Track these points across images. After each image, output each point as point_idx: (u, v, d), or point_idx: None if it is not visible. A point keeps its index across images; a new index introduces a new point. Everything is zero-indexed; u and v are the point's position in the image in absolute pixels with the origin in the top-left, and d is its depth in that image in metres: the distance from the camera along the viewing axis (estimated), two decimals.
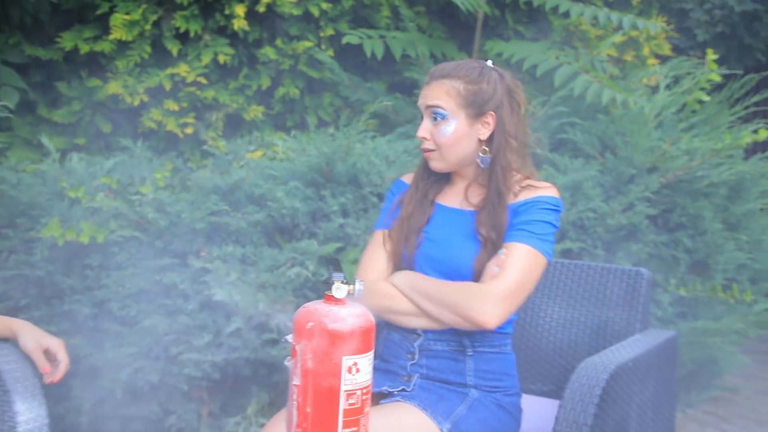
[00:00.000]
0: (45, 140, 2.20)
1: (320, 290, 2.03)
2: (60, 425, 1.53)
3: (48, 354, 1.40)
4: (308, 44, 2.48)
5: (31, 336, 1.39)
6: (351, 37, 2.40)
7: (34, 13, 2.40)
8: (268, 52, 2.45)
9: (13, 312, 1.88)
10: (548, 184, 1.37)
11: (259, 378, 2.12)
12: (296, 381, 0.95)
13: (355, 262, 1.99)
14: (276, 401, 2.09)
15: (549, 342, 1.60)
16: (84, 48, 2.41)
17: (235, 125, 2.64)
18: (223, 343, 2.01)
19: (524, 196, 1.33)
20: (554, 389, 1.58)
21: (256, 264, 2.02)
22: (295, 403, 0.95)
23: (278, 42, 2.49)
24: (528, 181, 1.36)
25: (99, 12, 2.43)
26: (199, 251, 2.01)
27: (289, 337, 0.98)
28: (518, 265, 1.27)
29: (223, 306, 1.99)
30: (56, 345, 1.39)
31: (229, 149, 2.33)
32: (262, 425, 1.97)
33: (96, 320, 1.95)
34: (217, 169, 2.24)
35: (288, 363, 0.97)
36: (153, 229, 1.98)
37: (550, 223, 1.32)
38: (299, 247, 2.01)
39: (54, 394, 1.42)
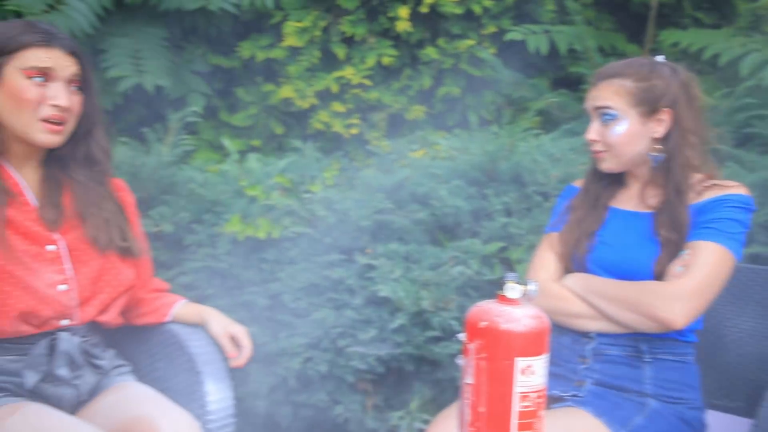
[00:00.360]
0: (226, 142, 2.38)
1: (483, 289, 2.03)
2: (239, 407, 1.65)
3: (233, 340, 1.51)
4: (470, 43, 2.48)
5: (219, 323, 1.51)
6: (514, 34, 2.37)
7: (218, 25, 2.60)
8: (430, 52, 2.47)
9: (201, 300, 2.04)
10: (736, 183, 1.28)
11: (422, 374, 2.15)
12: (469, 380, 0.95)
13: (519, 262, 1.96)
14: (438, 398, 2.11)
15: (737, 355, 1.47)
16: (260, 55, 2.58)
17: (397, 125, 2.70)
18: (388, 338, 2.06)
19: (710, 195, 1.25)
20: (743, 406, 1.45)
21: (420, 262, 2.05)
22: (467, 401, 0.96)
23: (440, 42, 2.52)
24: (713, 181, 1.27)
25: (273, 21, 2.58)
26: (365, 248, 2.08)
27: (462, 336, 0.99)
28: (705, 264, 1.19)
29: (388, 302, 2.04)
30: (241, 332, 1.50)
31: (392, 149, 2.38)
32: (425, 421, 2.00)
33: (271, 311, 2.08)
34: (380, 168, 2.31)
35: (460, 361, 0.98)
36: (322, 225, 2.07)
37: (741, 222, 1.23)
38: (462, 245, 2.01)
39: (235, 378, 1.53)
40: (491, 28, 2.53)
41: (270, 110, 2.67)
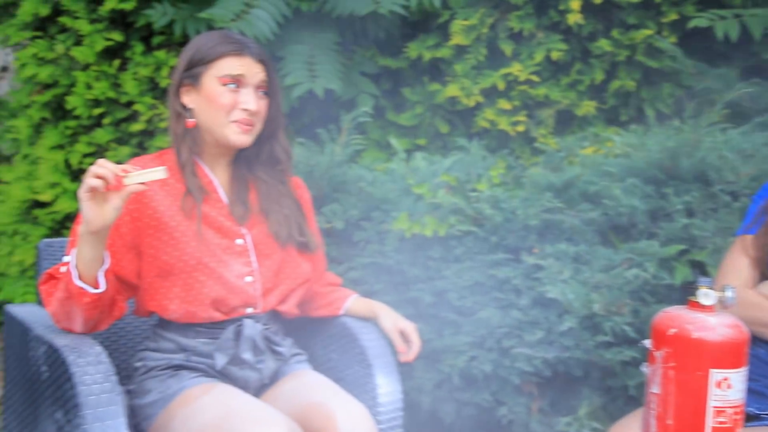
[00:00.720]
0: (393, 141, 2.43)
1: (660, 294, 1.91)
2: (404, 401, 1.68)
3: (402, 335, 1.54)
4: (647, 32, 2.34)
5: (390, 318, 1.55)
6: (699, 20, 2.20)
7: (386, 27, 2.66)
8: (602, 44, 2.36)
9: (368, 295, 2.10)
10: None
11: (591, 380, 2.06)
12: (655, 389, 0.90)
13: (703, 266, 1.82)
14: (608, 406, 2.02)
15: None
16: (426, 55, 2.60)
17: (565, 122, 2.61)
18: (555, 341, 2.00)
19: None
20: None
21: (590, 263, 1.96)
22: (653, 412, 0.90)
23: (614, 33, 2.39)
24: None
25: (440, 21, 2.60)
26: (533, 248, 2.03)
27: (647, 342, 0.93)
28: None
29: (556, 304, 1.98)
30: (410, 328, 1.53)
31: (560, 146, 2.31)
32: (595, 429, 1.92)
33: (436, 308, 2.09)
34: (548, 167, 2.24)
35: (645, 369, 0.92)
36: (488, 224, 2.05)
37: None
38: (637, 247, 1.90)
39: (401, 372, 1.56)
40: (672, 16, 2.37)
41: (435, 109, 2.69)
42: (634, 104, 2.51)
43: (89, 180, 1.19)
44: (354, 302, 1.61)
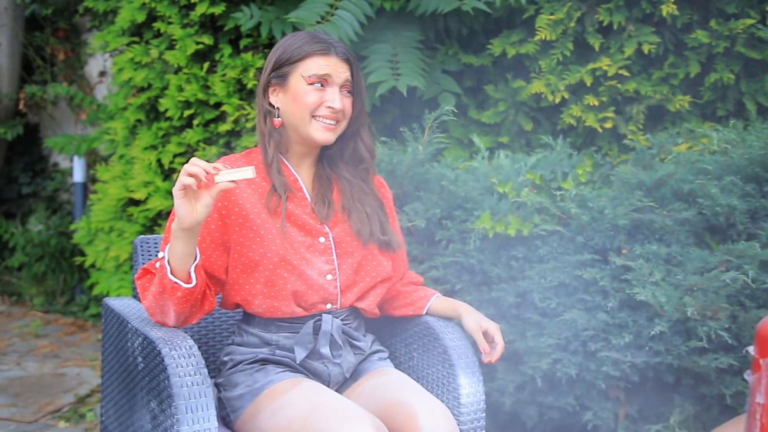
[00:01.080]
0: (475, 139, 2.40)
1: (762, 299, 1.80)
2: (486, 402, 1.66)
3: (486, 336, 1.52)
4: (749, 21, 2.21)
5: (473, 318, 1.53)
6: None
7: (470, 24, 2.63)
8: (699, 35, 2.25)
9: (450, 294, 2.09)
10: None
11: (683, 387, 1.98)
12: (760, 399, 0.85)
13: None
14: (702, 415, 1.93)
15: None
16: (511, 51, 2.56)
17: (656, 117, 2.51)
18: (644, 345, 1.93)
19: None
20: None
21: (683, 265, 1.88)
22: (758, 422, 0.85)
23: (712, 23, 2.28)
24: None
25: (525, 16, 2.55)
26: (621, 248, 1.96)
27: (751, 349, 0.88)
28: None
29: (646, 307, 1.91)
30: (493, 328, 1.51)
31: (652, 143, 2.22)
32: None
33: (519, 309, 2.05)
34: (639, 164, 2.16)
35: (749, 377, 0.87)
36: (574, 224, 1.99)
37: None
38: (735, 249, 1.81)
39: (482, 373, 1.54)
40: None
41: (519, 106, 2.65)
42: (733, 98, 2.39)
43: (183, 178, 1.23)
44: (436, 301, 1.60)
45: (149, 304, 1.35)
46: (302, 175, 1.52)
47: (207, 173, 1.24)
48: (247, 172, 1.25)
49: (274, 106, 1.48)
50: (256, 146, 1.55)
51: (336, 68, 1.44)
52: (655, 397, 2.07)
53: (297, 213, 1.47)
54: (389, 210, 1.62)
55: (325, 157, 1.55)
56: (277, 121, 1.47)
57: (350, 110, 1.49)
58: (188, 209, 1.24)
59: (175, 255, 1.29)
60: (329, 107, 1.44)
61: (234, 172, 1.25)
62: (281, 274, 1.41)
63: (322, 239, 1.47)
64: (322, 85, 1.44)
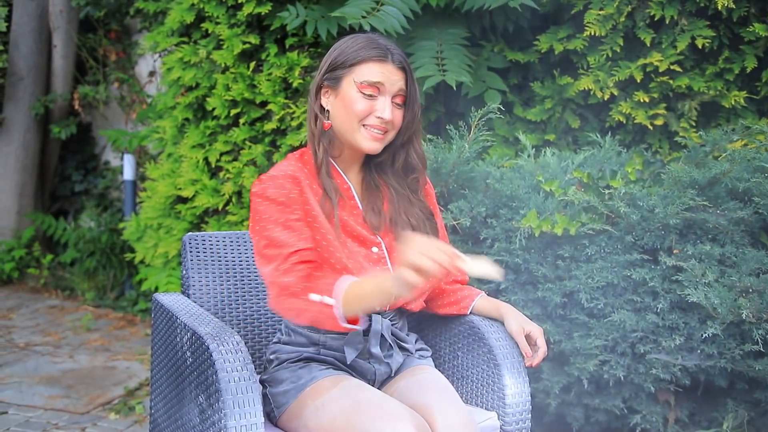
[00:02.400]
0: (521, 137, 2.37)
1: None
2: (531, 403, 1.64)
3: (528, 339, 1.50)
4: None
5: (516, 320, 1.51)
6: None
7: (516, 20, 2.60)
8: (756, 29, 2.18)
9: (494, 294, 2.08)
10: None
11: (737, 392, 1.92)
12: None
13: None
14: (757, 421, 1.87)
15: None
16: (558, 48, 2.52)
17: (709, 114, 2.44)
18: (696, 348, 1.88)
19: None
20: None
21: (738, 266, 1.82)
22: None
23: None
24: None
25: (573, 11, 2.50)
26: (672, 248, 1.91)
27: None
28: None
29: (698, 308, 1.86)
30: (536, 332, 1.48)
31: (705, 140, 2.16)
32: None
33: (565, 309, 2.02)
34: (691, 162, 2.10)
35: None
36: (623, 223, 1.95)
37: None
38: None
39: (528, 373, 1.51)
40: None
41: (566, 103, 2.60)
42: None
43: (430, 267, 1.12)
44: (481, 301, 1.59)
45: (293, 315, 1.33)
46: (351, 180, 1.50)
47: (452, 264, 1.13)
48: (494, 273, 1.14)
49: (324, 109, 1.45)
50: (305, 145, 1.52)
51: (390, 76, 1.40)
52: (706, 401, 2.02)
53: (351, 222, 1.45)
54: (432, 206, 1.59)
55: (374, 164, 1.52)
56: (326, 123, 1.44)
57: (400, 121, 1.44)
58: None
59: (357, 307, 1.26)
60: (378, 117, 1.40)
61: (480, 266, 1.14)
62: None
63: (375, 249, 1.46)
64: (373, 93, 1.39)
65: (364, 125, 1.41)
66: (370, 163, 1.52)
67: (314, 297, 1.28)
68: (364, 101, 1.40)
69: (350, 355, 1.42)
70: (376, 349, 1.43)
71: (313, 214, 1.41)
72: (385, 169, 1.51)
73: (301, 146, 2.89)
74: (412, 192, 1.51)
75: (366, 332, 1.44)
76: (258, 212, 1.39)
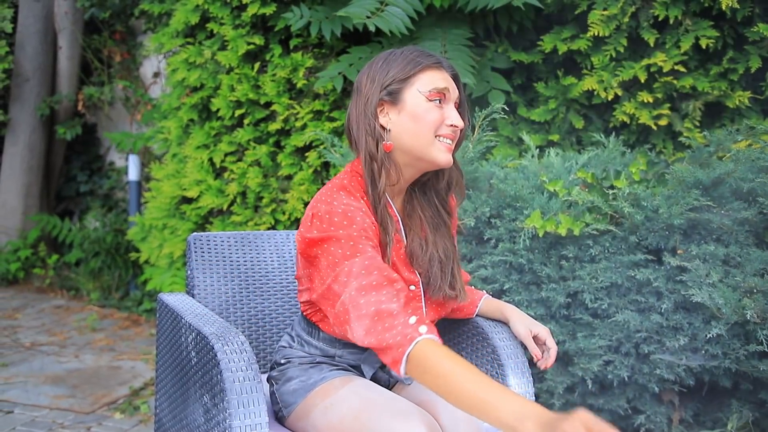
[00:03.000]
0: (525, 137, 2.37)
1: None
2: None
3: (536, 340, 1.49)
4: None
5: (522, 323, 1.50)
6: None
7: (520, 21, 2.60)
8: (761, 29, 2.18)
9: (498, 294, 2.08)
10: None
11: (741, 392, 1.92)
12: None
13: None
14: (762, 422, 1.86)
15: None
16: (562, 48, 2.52)
17: (713, 114, 2.44)
18: (700, 348, 1.88)
19: None
20: None
21: (742, 266, 1.82)
22: None
23: None
24: None
25: (577, 11, 2.50)
26: (676, 248, 1.91)
27: None
28: None
29: (702, 309, 1.86)
30: (544, 332, 1.48)
31: (709, 140, 2.16)
32: None
33: (569, 309, 2.02)
34: (695, 162, 2.10)
35: None
36: (627, 223, 1.95)
37: None
38: None
39: (532, 374, 1.51)
40: None
41: (570, 104, 2.60)
42: None
43: None
44: (485, 303, 1.58)
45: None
46: (397, 209, 1.39)
47: None
48: None
49: (385, 128, 1.31)
50: (348, 173, 1.34)
51: (451, 83, 1.31)
52: (711, 401, 2.01)
53: (394, 259, 1.34)
54: (453, 227, 1.49)
55: (419, 185, 1.40)
56: (387, 144, 1.30)
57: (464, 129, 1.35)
58: None
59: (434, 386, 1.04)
60: (451, 125, 1.29)
61: None
62: None
63: (412, 287, 1.37)
64: (440, 102, 1.29)
65: (437, 137, 1.29)
66: (413, 187, 1.41)
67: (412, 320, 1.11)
68: (435, 110, 1.28)
69: (368, 372, 1.41)
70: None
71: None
72: (427, 190, 1.42)
73: (304, 147, 2.89)
74: (446, 212, 1.42)
75: None
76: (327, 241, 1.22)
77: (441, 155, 1.30)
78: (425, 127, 1.28)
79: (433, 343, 1.07)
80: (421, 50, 1.34)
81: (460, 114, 1.34)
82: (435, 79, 1.29)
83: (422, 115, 1.28)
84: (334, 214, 1.23)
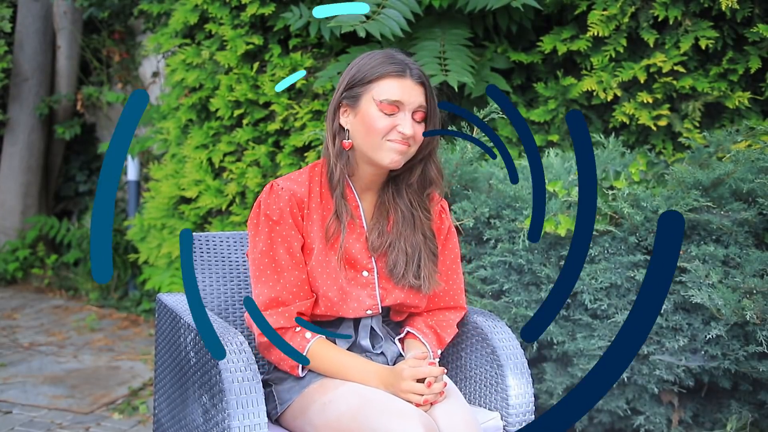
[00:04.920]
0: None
1: None
2: (534, 404, 1.64)
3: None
4: None
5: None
6: None
7: (519, 21, 2.60)
8: (760, 29, 2.18)
9: (498, 294, 2.08)
10: None
11: (740, 393, 1.91)
12: None
13: None
14: (761, 423, 1.86)
15: None
16: (561, 48, 2.52)
17: (713, 114, 2.44)
18: (700, 349, 1.87)
19: None
20: None
21: (742, 267, 1.82)
22: None
23: None
24: None
25: (577, 12, 2.50)
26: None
27: None
28: None
29: (702, 309, 1.86)
30: (436, 371, 1.38)
31: (709, 140, 2.16)
32: None
33: (568, 310, 2.02)
34: (695, 163, 2.10)
35: None
36: (627, 224, 1.95)
37: None
38: None
39: (531, 375, 1.51)
40: None
41: (569, 104, 2.60)
42: None
43: (430, 397, 1.31)
44: (413, 343, 1.51)
45: (265, 354, 1.44)
46: (364, 202, 1.47)
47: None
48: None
49: (344, 128, 1.41)
50: (319, 158, 1.49)
51: (410, 92, 1.36)
52: (710, 402, 2.01)
53: (350, 242, 1.43)
54: (442, 242, 1.53)
55: (391, 180, 1.48)
56: (346, 143, 1.40)
57: (421, 137, 1.40)
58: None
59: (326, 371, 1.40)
60: (400, 132, 1.36)
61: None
62: (319, 305, 1.42)
63: (365, 273, 1.44)
64: (393, 112, 1.36)
65: (387, 140, 1.37)
66: (388, 184, 1.48)
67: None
68: (385, 118, 1.36)
69: (342, 345, 1.43)
70: (365, 342, 1.44)
71: (308, 242, 1.41)
72: (401, 186, 1.47)
73: (303, 147, 2.89)
74: (423, 210, 1.48)
75: (356, 327, 1.45)
76: (255, 226, 1.43)
77: (387, 157, 1.38)
78: (373, 133, 1.37)
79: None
80: (390, 55, 1.39)
81: (425, 122, 1.40)
82: (392, 88, 1.36)
83: (371, 122, 1.37)
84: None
